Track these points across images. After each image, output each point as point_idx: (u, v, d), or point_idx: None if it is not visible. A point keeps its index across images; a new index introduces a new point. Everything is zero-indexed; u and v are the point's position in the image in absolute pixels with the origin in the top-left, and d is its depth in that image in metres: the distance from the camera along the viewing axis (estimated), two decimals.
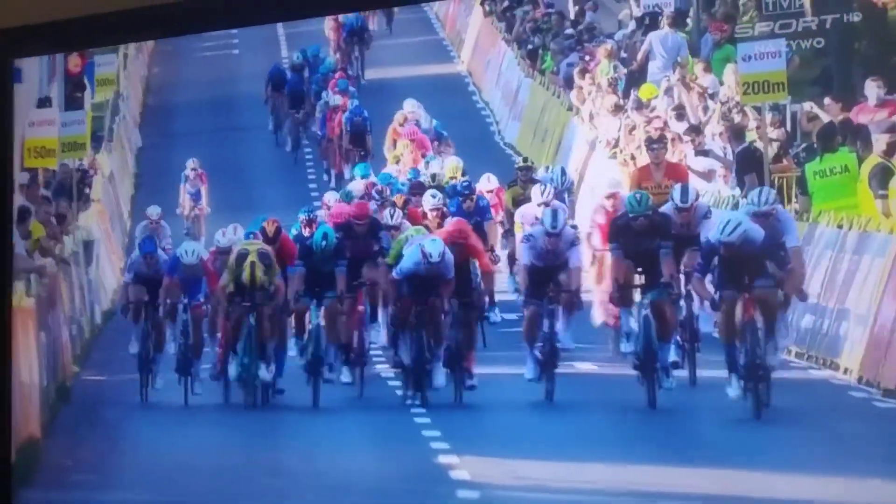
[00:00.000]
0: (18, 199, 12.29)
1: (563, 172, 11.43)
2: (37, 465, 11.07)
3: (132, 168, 13.30)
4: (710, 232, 10.35)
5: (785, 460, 9.66)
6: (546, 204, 11.19)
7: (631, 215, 10.59)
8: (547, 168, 11.45)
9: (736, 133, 10.14)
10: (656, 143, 10.67)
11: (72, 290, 12.16)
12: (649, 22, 11.03)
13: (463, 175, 12.15)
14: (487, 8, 12.44)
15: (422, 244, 11.47)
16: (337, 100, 12.92)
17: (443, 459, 10.57)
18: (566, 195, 11.36)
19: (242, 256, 11.92)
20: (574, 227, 11.42)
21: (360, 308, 12.14)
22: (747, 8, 9.90)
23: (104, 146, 12.68)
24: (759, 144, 10.04)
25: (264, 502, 10.87)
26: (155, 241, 12.07)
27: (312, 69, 13.15)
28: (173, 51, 13.15)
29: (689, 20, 10.71)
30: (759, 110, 10.24)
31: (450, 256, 11.35)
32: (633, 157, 11.42)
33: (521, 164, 11.64)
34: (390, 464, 10.76)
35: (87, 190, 12.52)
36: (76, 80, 12.31)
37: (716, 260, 10.47)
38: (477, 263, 11.78)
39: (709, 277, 10.58)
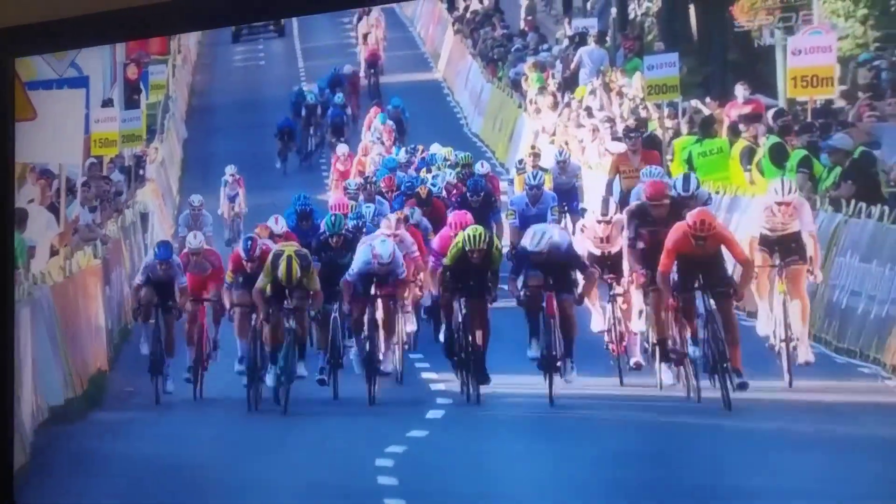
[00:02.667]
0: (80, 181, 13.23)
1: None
2: (105, 392, 12.18)
3: (180, 155, 14.23)
4: (525, 241, 11.39)
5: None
6: (537, 188, 12.19)
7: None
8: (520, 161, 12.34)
9: (641, 123, 11.71)
10: (633, 132, 11.66)
11: (131, 252, 13.33)
12: (579, 40, 12.31)
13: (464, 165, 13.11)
14: (457, 28, 13.68)
15: (372, 244, 12.04)
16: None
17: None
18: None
19: (278, 256, 12.27)
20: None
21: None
22: (650, 30, 11.81)
23: (157, 138, 13.63)
24: (659, 132, 11.57)
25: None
26: (171, 248, 12.68)
27: (325, 107, 14.05)
28: (212, 63, 14.20)
29: (608, 39, 12.18)
30: (658, 106, 11.60)
31: (399, 255, 11.98)
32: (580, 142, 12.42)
33: (531, 150, 12.50)
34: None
35: (142, 172, 13.55)
36: (134, 86, 13.29)
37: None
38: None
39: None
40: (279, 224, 12.68)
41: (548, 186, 12.16)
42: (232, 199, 13.55)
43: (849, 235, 9.96)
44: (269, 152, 13.92)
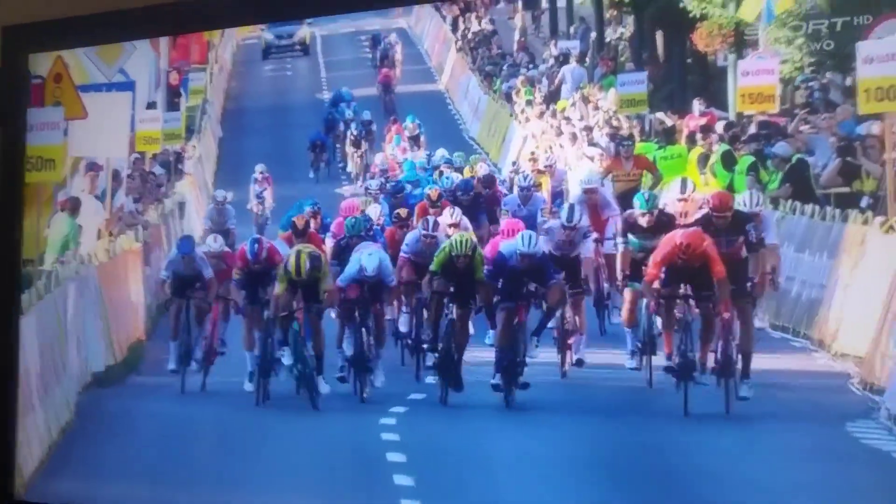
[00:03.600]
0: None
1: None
2: (142, 359, 12.68)
3: (215, 152, 14.92)
4: (512, 244, 11.53)
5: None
6: (528, 189, 12.63)
7: (641, 212, 11.41)
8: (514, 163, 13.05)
9: (614, 132, 12.45)
10: (627, 140, 12.30)
11: (169, 236, 13.82)
12: (563, 59, 13.20)
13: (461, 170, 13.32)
14: (459, 46, 14.57)
15: (360, 258, 12.00)
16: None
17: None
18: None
19: (289, 257, 12.21)
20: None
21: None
22: (623, 52, 12.73)
23: (195, 136, 14.28)
24: (635, 143, 12.22)
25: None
26: (193, 242, 12.89)
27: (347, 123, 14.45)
28: (245, 71, 14.81)
29: (587, 59, 13.06)
30: (629, 118, 12.50)
31: (386, 265, 12.00)
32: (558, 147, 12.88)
33: (531, 156, 13.10)
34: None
35: (180, 166, 14.13)
36: (175, 90, 14.01)
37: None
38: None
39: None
40: (217, 243, 12.75)
41: (545, 189, 12.69)
42: (260, 195, 14.05)
43: (786, 229, 10.91)
44: (294, 151, 14.44)
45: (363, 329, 11.97)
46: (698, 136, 11.83)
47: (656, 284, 10.92)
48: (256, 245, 12.34)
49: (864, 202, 10.55)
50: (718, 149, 11.56)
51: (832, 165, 10.82)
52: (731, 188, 11.28)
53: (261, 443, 11.65)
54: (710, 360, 10.81)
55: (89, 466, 11.99)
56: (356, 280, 11.93)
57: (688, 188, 11.36)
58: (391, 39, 14.57)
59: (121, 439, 11.92)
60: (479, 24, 14.32)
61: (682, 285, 10.86)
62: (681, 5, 11.80)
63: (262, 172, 14.01)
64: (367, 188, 13.57)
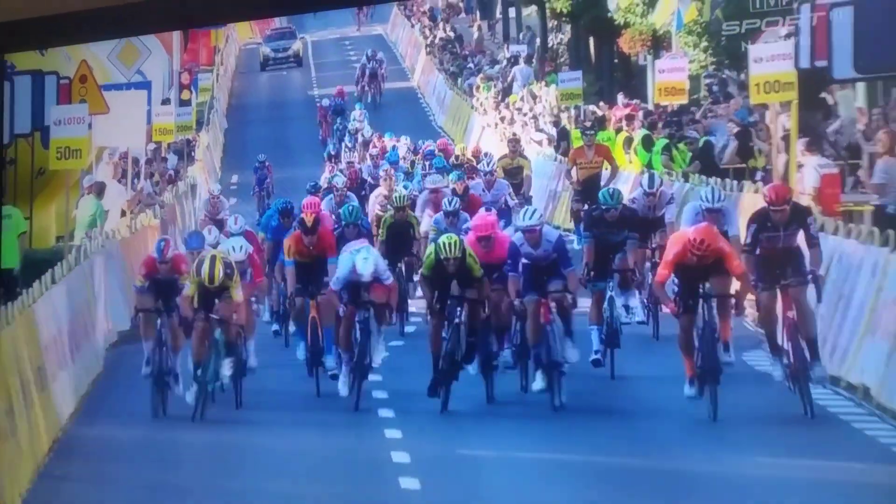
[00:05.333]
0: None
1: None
2: None
3: (221, 141, 15.57)
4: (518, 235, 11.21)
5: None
6: (490, 174, 12.83)
7: (604, 207, 11.41)
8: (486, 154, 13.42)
9: (556, 121, 13.65)
10: (590, 130, 12.73)
11: (183, 214, 14.50)
12: (513, 61, 14.35)
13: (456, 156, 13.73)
14: (428, 50, 15.50)
15: (354, 260, 11.52)
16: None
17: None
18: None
19: (202, 261, 11.80)
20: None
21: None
22: (562, 55, 14.03)
23: (203, 128, 14.85)
24: (568, 127, 13.52)
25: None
26: (202, 238, 12.74)
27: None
28: (247, 72, 15.64)
29: (534, 60, 14.24)
30: (568, 109, 13.65)
31: (381, 266, 11.54)
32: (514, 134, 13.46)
33: (512, 137, 13.32)
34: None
35: (192, 154, 14.68)
36: (186, 88, 14.55)
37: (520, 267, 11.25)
38: None
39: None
40: (238, 224, 12.78)
41: (526, 171, 13.08)
42: (261, 182, 14.45)
43: (696, 197, 11.57)
44: (290, 139, 15.08)
45: (365, 333, 11.55)
46: (623, 123, 13.03)
47: (668, 285, 10.63)
48: (163, 243, 12.21)
49: (757, 176, 11.98)
50: (639, 133, 12.81)
51: (731, 146, 12.32)
52: (649, 165, 12.43)
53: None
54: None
55: (118, 410, 12.27)
56: (350, 282, 11.55)
57: (655, 183, 11.62)
58: (380, 57, 15.21)
59: (143, 386, 12.18)
60: (444, 31, 15.28)
61: (698, 286, 10.54)
62: (608, 16, 13.17)
63: (262, 161, 14.47)
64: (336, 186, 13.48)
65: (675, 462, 10.29)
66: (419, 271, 11.42)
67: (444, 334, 11.03)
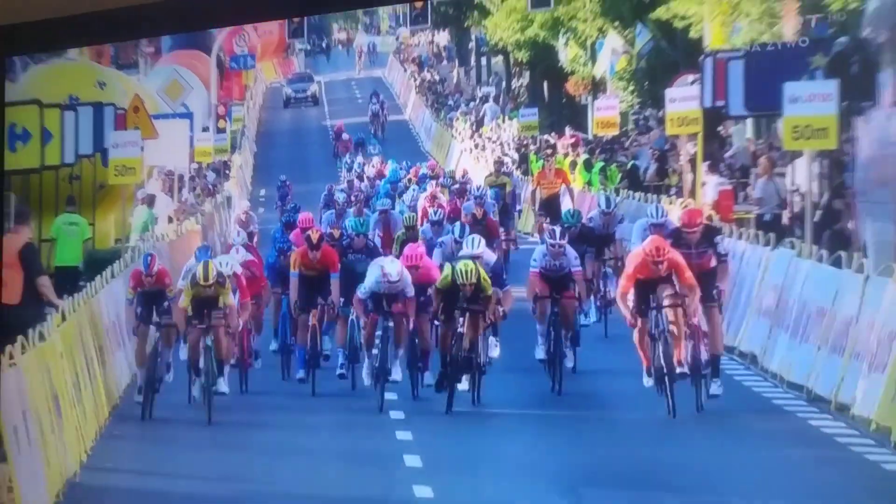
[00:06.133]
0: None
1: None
2: None
3: (251, 161, 16.29)
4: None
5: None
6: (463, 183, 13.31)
7: (566, 225, 11.87)
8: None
9: (518, 148, 14.76)
10: (550, 157, 13.69)
11: (220, 221, 15.34)
12: (484, 99, 15.49)
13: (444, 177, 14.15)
14: (418, 90, 16.38)
15: (382, 264, 11.40)
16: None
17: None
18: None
19: (193, 268, 11.96)
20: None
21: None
22: (523, 95, 15.22)
23: (237, 151, 15.59)
24: (529, 153, 14.59)
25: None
26: (210, 250, 12.84)
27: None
28: (273, 106, 16.32)
29: (500, 99, 15.48)
30: (526, 138, 14.75)
31: (407, 275, 11.38)
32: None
33: (497, 159, 14.09)
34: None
35: (227, 172, 15.53)
36: (222, 118, 15.32)
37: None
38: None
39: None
40: (240, 236, 13.20)
41: (508, 189, 13.61)
42: (283, 198, 14.95)
43: (624, 209, 12.84)
44: (305, 160, 15.73)
45: (388, 341, 11.47)
46: (569, 149, 14.18)
47: (630, 297, 10.83)
48: (149, 258, 12.43)
49: (671, 191, 13.21)
50: (582, 157, 13.99)
51: (651, 168, 13.53)
52: (589, 183, 13.62)
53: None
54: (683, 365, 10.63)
55: (166, 388, 12.62)
56: (378, 291, 11.46)
57: (611, 204, 12.23)
58: (382, 100, 15.89)
59: (178, 363, 12.55)
60: (431, 75, 16.31)
61: (651, 297, 10.79)
62: (559, 65, 14.38)
63: (284, 180, 15.12)
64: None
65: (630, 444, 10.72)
66: (434, 285, 11.45)
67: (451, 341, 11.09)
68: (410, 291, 11.26)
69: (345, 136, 15.44)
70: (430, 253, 11.86)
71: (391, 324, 11.29)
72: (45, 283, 13.18)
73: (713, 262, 10.85)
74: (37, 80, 14.05)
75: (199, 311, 11.71)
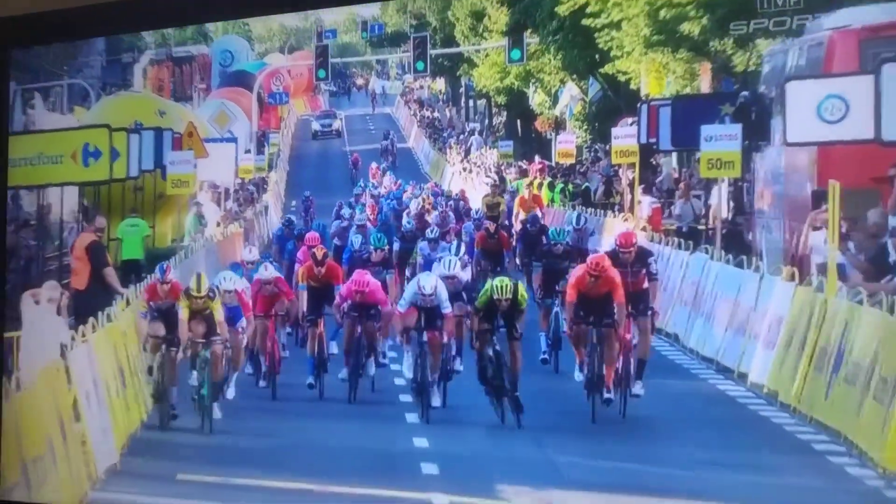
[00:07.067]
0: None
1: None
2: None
3: (285, 178, 17.85)
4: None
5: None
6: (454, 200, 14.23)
7: (552, 242, 12.66)
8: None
9: (499, 172, 16.13)
10: (529, 185, 14.95)
11: (259, 226, 16.78)
12: (471, 132, 17.22)
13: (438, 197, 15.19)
14: (418, 123, 18.14)
15: (419, 278, 11.64)
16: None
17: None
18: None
19: (192, 280, 12.22)
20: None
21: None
22: (500, 129, 16.94)
23: (273, 170, 17.27)
24: (507, 178, 16.00)
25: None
26: (240, 268, 13.57)
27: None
28: (302, 133, 17.88)
29: (483, 132, 17.23)
30: (504, 164, 16.23)
31: (442, 289, 11.48)
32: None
33: (493, 181, 15.26)
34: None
35: (265, 186, 17.18)
36: (261, 142, 16.78)
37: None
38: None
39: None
40: (252, 253, 14.00)
41: (503, 207, 14.42)
42: (306, 210, 16.42)
43: (583, 223, 13.79)
44: (327, 179, 17.39)
45: (425, 357, 11.44)
46: (537, 174, 15.84)
47: (572, 308, 11.40)
48: (165, 265, 13.07)
49: (616, 209, 14.76)
50: (546, 180, 15.71)
51: (600, 189, 15.15)
52: (552, 201, 15.21)
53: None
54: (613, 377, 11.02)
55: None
56: (414, 305, 11.58)
57: (581, 221, 13.24)
58: (392, 136, 17.35)
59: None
60: (429, 113, 18.20)
61: (589, 315, 11.45)
62: (530, 107, 16.13)
63: (307, 196, 16.66)
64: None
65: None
66: (473, 304, 11.73)
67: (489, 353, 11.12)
68: (446, 307, 11.54)
69: (373, 164, 16.77)
70: (427, 268, 12.67)
71: (425, 339, 11.66)
72: (111, 274, 14.23)
73: (646, 283, 11.84)
74: (107, 108, 15.36)
75: (196, 328, 12.40)
